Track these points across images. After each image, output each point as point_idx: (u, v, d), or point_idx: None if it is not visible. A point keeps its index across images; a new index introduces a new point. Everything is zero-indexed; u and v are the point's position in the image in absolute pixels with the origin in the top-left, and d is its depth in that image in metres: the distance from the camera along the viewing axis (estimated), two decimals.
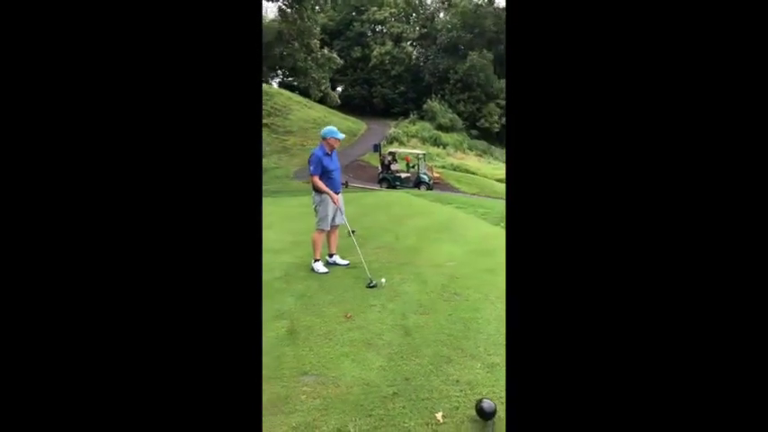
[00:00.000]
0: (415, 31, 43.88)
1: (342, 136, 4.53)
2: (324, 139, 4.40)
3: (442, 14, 44.07)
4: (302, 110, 30.57)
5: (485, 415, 2.04)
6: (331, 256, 4.76)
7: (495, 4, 39.96)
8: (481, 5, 39.89)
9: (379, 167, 18.38)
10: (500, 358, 2.65)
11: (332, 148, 4.44)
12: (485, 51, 37.25)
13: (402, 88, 41.42)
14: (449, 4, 42.17)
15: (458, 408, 2.19)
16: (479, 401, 2.09)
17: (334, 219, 4.56)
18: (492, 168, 25.79)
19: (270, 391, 2.33)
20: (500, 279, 4.15)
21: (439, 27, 42.31)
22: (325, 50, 21.98)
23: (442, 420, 2.09)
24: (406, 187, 16.20)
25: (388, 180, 17.37)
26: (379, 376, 2.49)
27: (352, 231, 4.64)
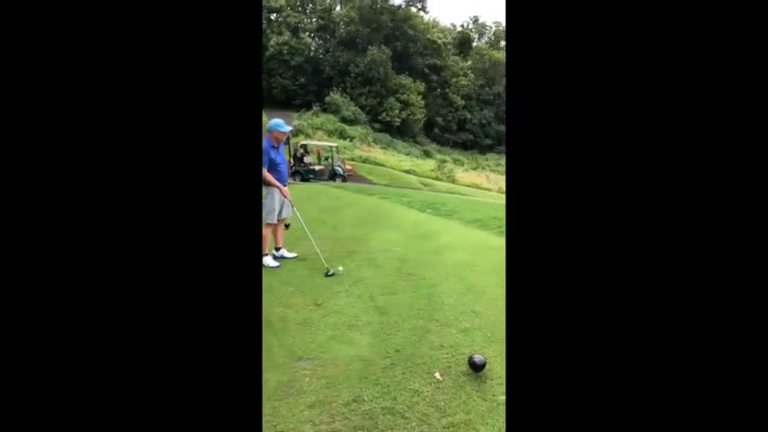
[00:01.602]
0: (312, 22, 43.25)
1: (288, 129, 4.52)
2: (269, 132, 4.36)
3: (338, 7, 44.07)
4: None
5: (476, 368, 2.39)
6: (278, 249, 4.74)
7: (391, 1, 41.26)
8: (377, 1, 40.83)
9: (291, 160, 18.03)
10: (470, 323, 3.04)
11: (278, 141, 4.42)
12: (383, 47, 38.34)
13: (302, 80, 40.64)
14: None
15: (450, 367, 2.50)
16: (470, 357, 2.43)
17: (281, 212, 4.55)
18: (398, 160, 26.89)
19: (272, 379, 2.38)
20: (446, 258, 4.60)
21: (337, 20, 42.30)
22: None
23: (441, 378, 2.38)
24: (321, 180, 16.18)
25: (302, 173, 17.13)
26: (372, 351, 2.69)
27: (287, 225, 4.69)
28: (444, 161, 28.76)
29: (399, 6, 42.07)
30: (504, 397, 2.25)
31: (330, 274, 4.09)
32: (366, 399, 2.22)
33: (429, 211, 7.37)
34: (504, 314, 3.29)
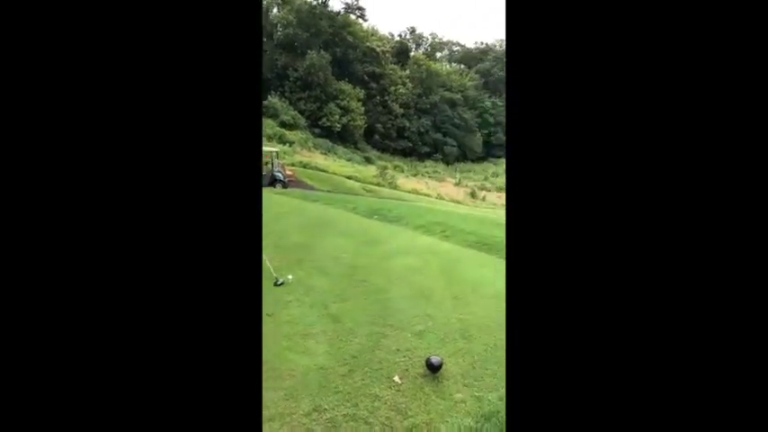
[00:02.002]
0: None
1: None
2: None
3: (276, 10, 43.18)
4: None
5: (434, 368, 2.48)
6: None
7: (330, 7, 41.22)
8: (316, 6, 40.60)
9: None
10: (423, 326, 3.14)
11: None
12: (322, 51, 38.13)
13: None
14: (283, 0, 41.62)
15: (407, 369, 2.57)
16: (428, 359, 2.52)
17: None
18: (339, 166, 26.80)
19: None
20: (396, 263, 4.69)
21: (275, 22, 41.39)
22: None
23: (400, 381, 2.44)
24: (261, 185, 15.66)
25: None
26: (329, 359, 2.69)
27: None
28: (386, 167, 29.17)
29: (338, 12, 42.17)
30: (461, 395, 2.36)
31: (279, 283, 4.00)
32: (327, 407, 2.21)
33: (376, 217, 7.47)
34: (456, 316, 3.43)
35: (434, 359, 2.50)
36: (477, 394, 2.37)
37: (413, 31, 53.90)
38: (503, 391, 2.38)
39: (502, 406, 2.25)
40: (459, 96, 43.57)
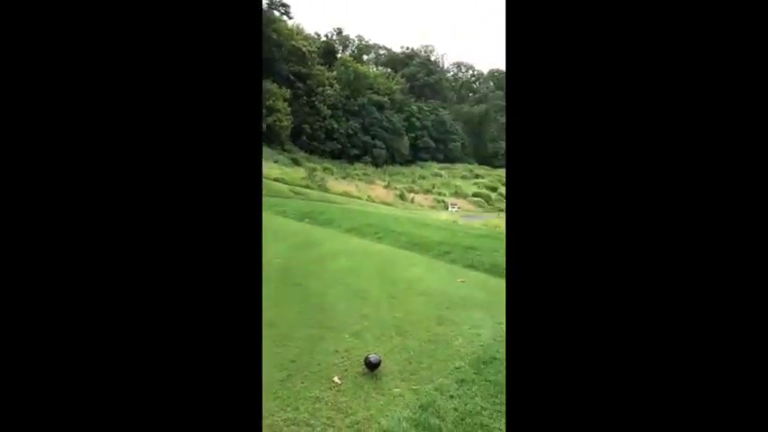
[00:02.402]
0: None
1: None
2: None
3: None
4: None
5: (372, 366, 2.56)
6: None
7: None
8: None
9: None
10: (360, 326, 3.21)
11: None
12: None
13: None
14: None
15: (346, 370, 2.62)
16: (366, 357, 2.59)
17: None
18: (266, 168, 25.94)
19: None
20: (330, 266, 4.70)
21: None
22: None
23: (340, 382, 2.48)
24: None
25: None
26: (266, 365, 2.63)
27: None
28: (315, 170, 28.82)
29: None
30: (399, 389, 2.46)
31: None
32: (267, 413, 2.18)
33: (307, 220, 7.39)
34: (391, 314, 3.55)
35: (372, 357, 2.58)
36: (414, 387, 2.48)
37: (339, 32, 53.95)
38: (438, 382, 2.53)
39: (437, 396, 2.39)
40: (386, 99, 44.42)
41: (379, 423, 2.15)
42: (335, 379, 2.50)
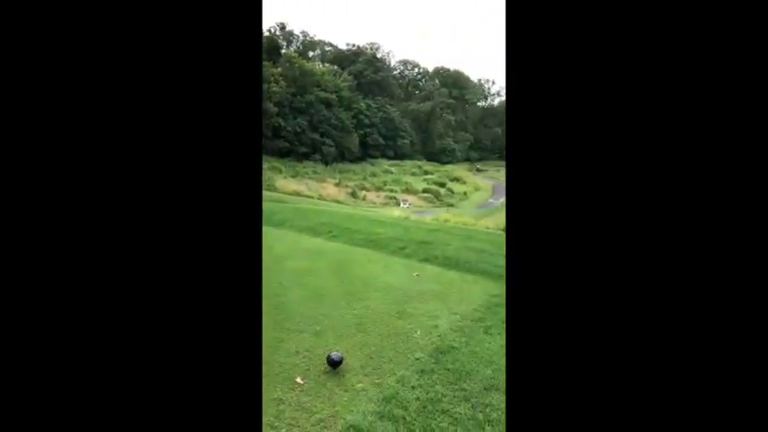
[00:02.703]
0: None
1: None
2: None
3: None
4: None
5: (335, 364, 2.58)
6: None
7: None
8: None
9: None
10: (320, 326, 3.21)
11: None
12: None
13: None
14: None
15: (309, 369, 2.62)
16: (328, 356, 2.61)
17: None
18: None
19: None
20: (286, 266, 4.64)
21: None
22: None
23: (303, 382, 2.48)
24: None
25: None
26: None
27: None
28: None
29: None
30: (362, 384, 2.50)
31: None
32: None
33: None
34: (350, 312, 3.59)
35: (334, 355, 2.60)
36: (376, 381, 2.54)
37: (283, 27, 52.65)
38: (399, 374, 2.60)
39: (400, 387, 2.46)
40: (334, 97, 44.05)
41: (344, 419, 2.18)
42: (298, 379, 2.50)
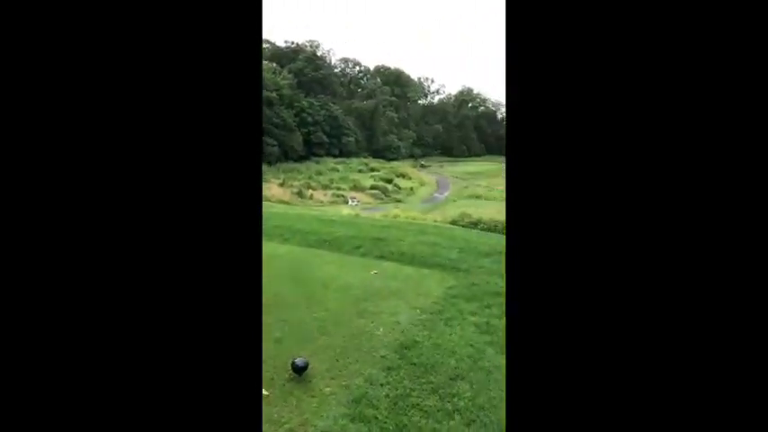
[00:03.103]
0: None
1: None
2: None
3: None
4: None
5: (300, 370, 2.52)
6: None
7: None
8: None
9: None
10: (281, 332, 3.12)
11: None
12: None
13: None
14: None
15: (273, 378, 2.54)
16: (293, 362, 2.54)
17: None
18: None
19: None
20: None
21: None
22: None
23: (268, 393, 2.40)
24: None
25: None
26: None
27: None
28: None
29: None
30: (330, 388, 2.47)
31: None
32: None
33: None
34: (311, 315, 3.52)
35: (299, 361, 2.54)
36: (344, 383, 2.52)
37: None
38: (367, 373, 2.60)
39: (368, 387, 2.46)
40: (275, 95, 42.81)
41: (314, 426, 2.15)
42: (263, 391, 2.41)
